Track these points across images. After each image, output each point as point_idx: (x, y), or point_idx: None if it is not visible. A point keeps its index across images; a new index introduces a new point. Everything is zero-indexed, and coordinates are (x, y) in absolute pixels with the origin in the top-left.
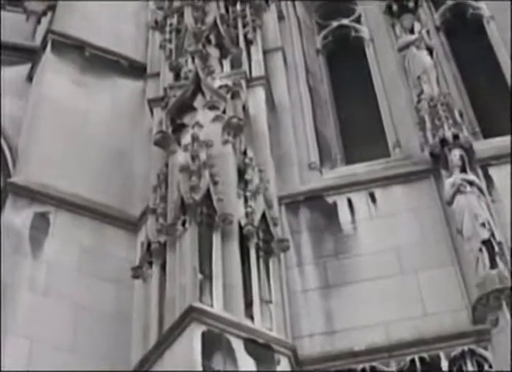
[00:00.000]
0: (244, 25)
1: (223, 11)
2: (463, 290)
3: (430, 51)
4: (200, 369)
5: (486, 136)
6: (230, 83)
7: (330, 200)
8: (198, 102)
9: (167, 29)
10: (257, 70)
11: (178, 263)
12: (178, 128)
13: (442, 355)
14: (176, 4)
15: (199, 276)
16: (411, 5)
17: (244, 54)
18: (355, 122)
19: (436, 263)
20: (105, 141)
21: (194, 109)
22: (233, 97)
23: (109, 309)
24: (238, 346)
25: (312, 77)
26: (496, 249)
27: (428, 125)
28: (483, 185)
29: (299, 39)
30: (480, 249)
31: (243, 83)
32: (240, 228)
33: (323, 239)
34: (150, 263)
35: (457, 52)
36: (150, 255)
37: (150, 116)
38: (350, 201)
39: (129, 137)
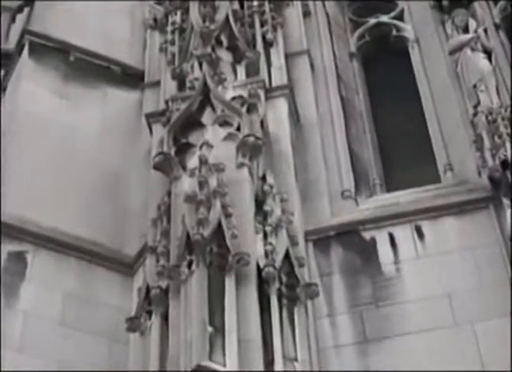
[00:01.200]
0: (262, 24)
1: (236, 6)
2: None
3: (489, 54)
4: None
5: None
6: (245, 94)
7: (367, 235)
8: (207, 117)
9: (169, 28)
10: (279, 78)
11: (183, 313)
12: (183, 148)
13: None
14: None
15: (209, 329)
16: None
17: (263, 59)
18: (398, 140)
19: (495, 313)
20: (95, 165)
21: (202, 126)
22: (249, 110)
23: (100, 369)
24: None
25: (344, 86)
26: None
27: (487, 143)
28: None
29: (329, 40)
30: None
31: (262, 93)
32: (259, 270)
33: (360, 284)
34: (149, 313)
35: None
36: (148, 303)
37: (148, 134)
38: (392, 237)
39: (123, 160)
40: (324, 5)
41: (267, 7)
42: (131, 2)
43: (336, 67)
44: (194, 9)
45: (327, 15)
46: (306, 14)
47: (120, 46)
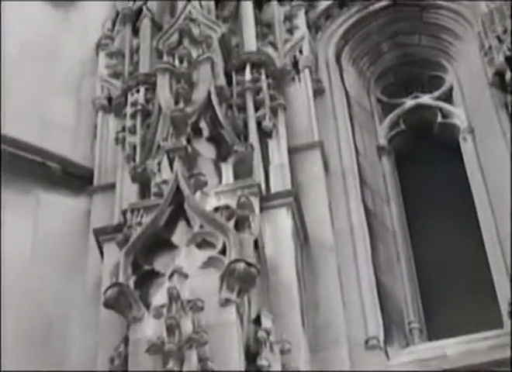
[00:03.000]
0: (258, 106)
1: (222, 81)
2: None
3: None
4: None
5: None
6: (233, 203)
7: None
8: (180, 235)
9: (128, 110)
10: (280, 182)
11: None
12: (146, 278)
13: None
14: (143, 68)
15: None
16: None
17: (258, 154)
18: (443, 269)
19: None
20: (22, 305)
21: (172, 247)
22: (238, 226)
23: None
24: None
25: (371, 193)
26: None
27: None
28: None
29: (350, 129)
30: None
31: (256, 203)
32: None
33: None
34: None
35: None
36: None
37: (97, 258)
38: None
39: (63, 294)
40: (343, 81)
41: (264, 83)
42: (77, 76)
43: (359, 166)
44: (163, 85)
45: (347, 93)
46: (318, 92)
47: (61, 135)
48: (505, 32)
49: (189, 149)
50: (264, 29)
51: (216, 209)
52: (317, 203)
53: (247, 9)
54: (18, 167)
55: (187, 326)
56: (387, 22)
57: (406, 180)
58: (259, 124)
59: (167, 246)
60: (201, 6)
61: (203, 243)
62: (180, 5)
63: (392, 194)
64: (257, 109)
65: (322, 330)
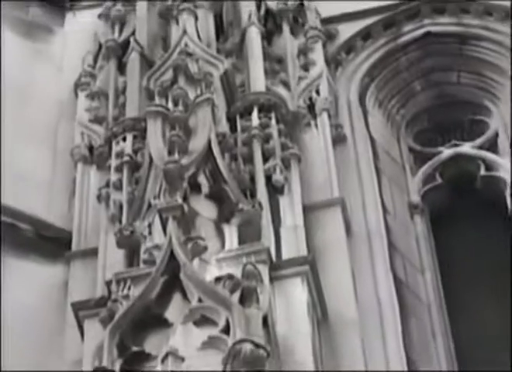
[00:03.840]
0: (267, 157)
1: (224, 128)
2: None
3: None
4: None
5: None
6: (237, 272)
7: None
8: (175, 311)
9: (113, 162)
10: (293, 247)
11: None
12: (135, 361)
13: None
14: (131, 112)
15: None
16: None
17: (267, 213)
18: (484, 347)
19: None
20: None
21: (166, 324)
22: (244, 300)
23: None
24: None
25: (402, 260)
26: None
27: None
28: None
29: (376, 184)
30: None
31: (266, 272)
32: None
33: None
34: None
35: None
36: None
37: (77, 337)
38: None
39: None
40: (368, 126)
41: (274, 129)
42: (52, 120)
43: (386, 227)
44: (154, 132)
45: (373, 141)
46: (339, 140)
47: (34, 192)
48: None
49: (186, 208)
50: (275, 64)
51: (218, 279)
52: (338, 271)
53: (254, 41)
54: None
55: None
56: (420, 56)
57: (442, 244)
58: (268, 178)
59: (160, 323)
60: (199, 38)
61: (202, 320)
62: (174, 36)
63: (426, 260)
64: (266, 160)
65: None
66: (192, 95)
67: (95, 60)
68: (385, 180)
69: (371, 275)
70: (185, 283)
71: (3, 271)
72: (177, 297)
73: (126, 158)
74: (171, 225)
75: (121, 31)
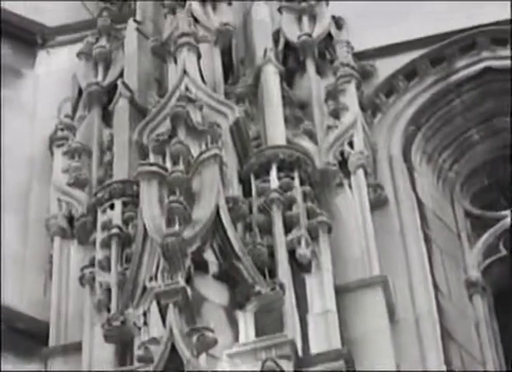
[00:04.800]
0: (290, 226)
1: (235, 189)
2: None
3: None
4: None
5: None
6: (255, 369)
7: None
8: None
9: (99, 235)
10: (323, 338)
11: None
12: None
13: None
14: (119, 173)
15: None
16: None
17: (291, 297)
18: None
19: None
20: None
21: None
22: None
23: None
24: None
25: (458, 349)
26: None
27: None
28: None
29: (426, 257)
30: None
31: (290, 369)
32: None
33: None
34: None
35: None
36: None
37: None
38: None
39: None
40: (414, 186)
41: (298, 191)
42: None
43: (439, 310)
44: (149, 198)
45: (420, 204)
46: (378, 203)
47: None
48: None
49: (189, 291)
50: (297, 111)
51: None
52: (380, 365)
53: (271, 83)
54: None
55: None
56: (477, 98)
57: (508, 329)
58: (292, 252)
59: None
60: (203, 79)
61: None
62: (172, 78)
63: (488, 350)
64: (288, 231)
65: None
66: (194, 151)
67: (74, 109)
68: (436, 252)
69: (421, 370)
70: None
71: None
72: None
73: (114, 230)
74: (172, 314)
75: (106, 72)
